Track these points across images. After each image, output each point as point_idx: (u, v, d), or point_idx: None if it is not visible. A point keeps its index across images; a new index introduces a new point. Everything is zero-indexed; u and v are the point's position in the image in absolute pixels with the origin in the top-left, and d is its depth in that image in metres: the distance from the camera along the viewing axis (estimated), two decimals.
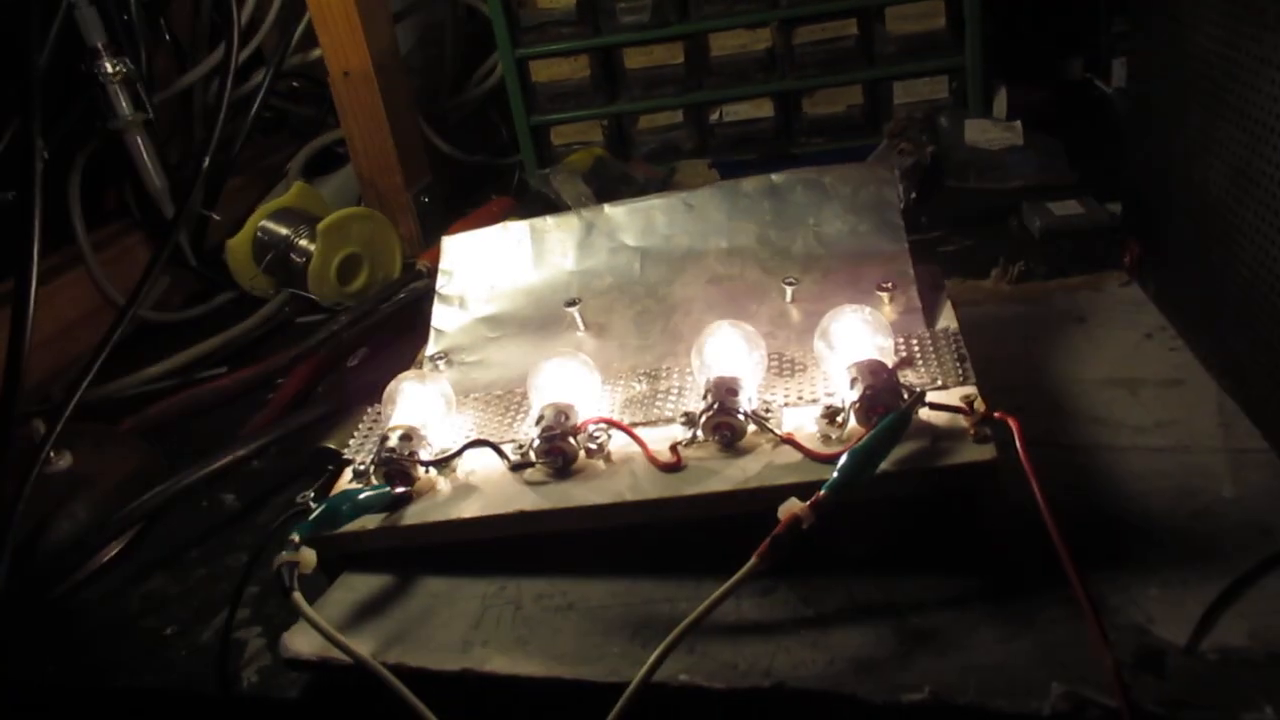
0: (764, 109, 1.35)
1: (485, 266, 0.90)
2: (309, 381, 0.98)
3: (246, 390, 1.01)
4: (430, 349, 0.86)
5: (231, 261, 1.16)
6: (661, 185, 1.30)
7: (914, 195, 1.18)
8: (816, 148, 1.35)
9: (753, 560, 0.55)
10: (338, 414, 0.89)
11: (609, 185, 1.28)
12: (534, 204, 1.25)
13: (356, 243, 1.12)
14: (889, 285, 0.76)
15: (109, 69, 1.09)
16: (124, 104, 1.11)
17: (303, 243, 1.12)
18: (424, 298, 1.06)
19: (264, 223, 1.16)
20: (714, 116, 1.37)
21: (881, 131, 1.29)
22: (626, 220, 0.88)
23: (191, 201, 1.06)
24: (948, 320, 0.75)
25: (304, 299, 1.15)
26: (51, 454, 0.80)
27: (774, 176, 0.87)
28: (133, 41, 1.13)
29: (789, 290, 0.79)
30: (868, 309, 0.70)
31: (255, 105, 1.23)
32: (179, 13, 1.33)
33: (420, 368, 0.85)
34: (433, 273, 1.06)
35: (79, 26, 1.08)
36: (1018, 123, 1.25)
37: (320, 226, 1.10)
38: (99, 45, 1.09)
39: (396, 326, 1.06)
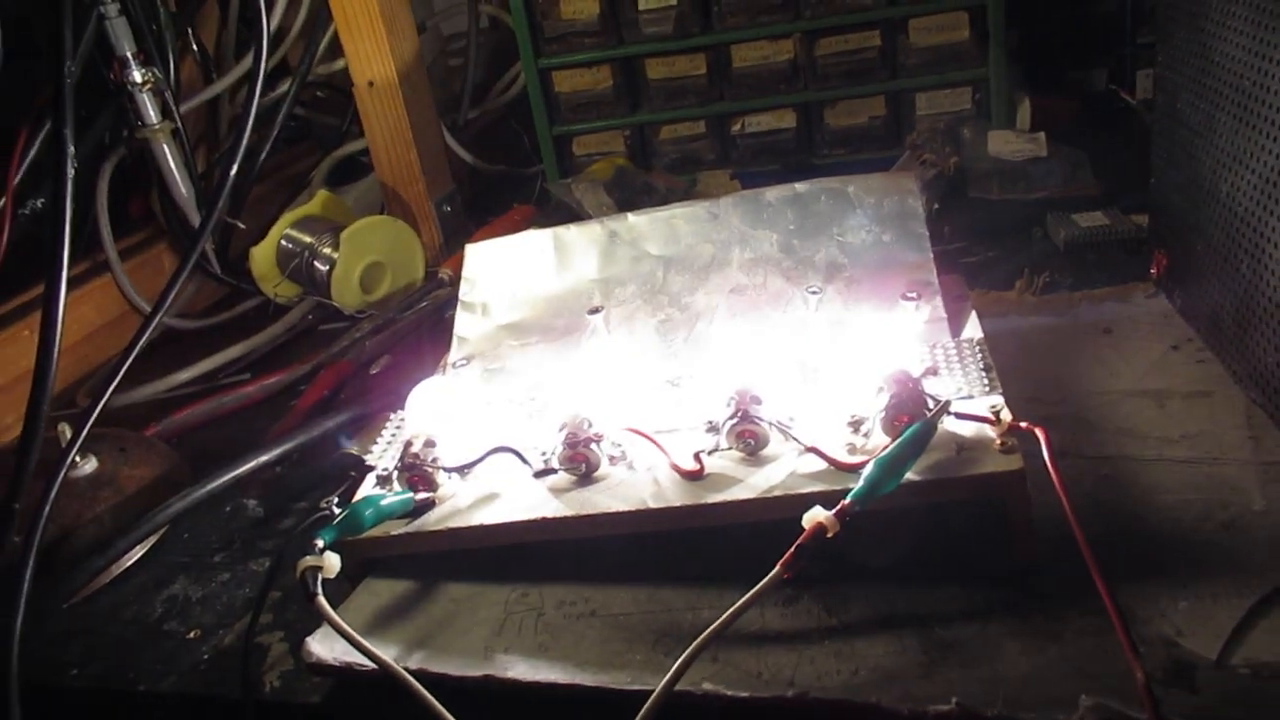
0: (786, 120, 1.35)
1: (508, 274, 0.90)
2: (332, 388, 0.99)
3: (270, 397, 1.02)
4: (453, 356, 0.86)
5: (256, 269, 1.17)
6: (683, 195, 1.30)
7: (937, 206, 1.18)
8: (838, 159, 1.34)
9: (777, 569, 0.55)
10: (361, 420, 0.90)
11: (631, 195, 1.28)
12: (556, 213, 1.25)
13: (379, 251, 1.13)
14: (914, 295, 0.76)
15: (138, 78, 1.10)
16: (152, 112, 1.12)
17: (326, 250, 1.13)
18: (446, 305, 1.07)
19: (288, 230, 1.16)
20: (736, 127, 1.37)
21: (904, 143, 1.28)
22: (649, 229, 0.88)
23: (217, 210, 1.06)
24: (972, 330, 0.75)
25: (327, 306, 1.15)
26: (77, 458, 0.80)
27: (798, 185, 0.87)
28: (161, 51, 1.14)
29: (813, 300, 0.79)
30: (893, 319, 0.70)
31: (281, 114, 1.24)
32: (206, 23, 1.35)
33: (443, 374, 0.85)
34: (455, 281, 1.07)
35: (109, 36, 1.09)
36: (1041, 134, 1.24)
37: (344, 234, 1.10)
38: (129, 54, 1.10)
39: (419, 334, 1.07)
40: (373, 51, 1.22)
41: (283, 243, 1.16)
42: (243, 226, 1.21)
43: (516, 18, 1.33)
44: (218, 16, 1.36)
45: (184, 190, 1.17)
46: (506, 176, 1.49)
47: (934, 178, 1.20)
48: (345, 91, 1.33)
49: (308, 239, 1.14)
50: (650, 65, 1.36)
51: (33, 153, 1.04)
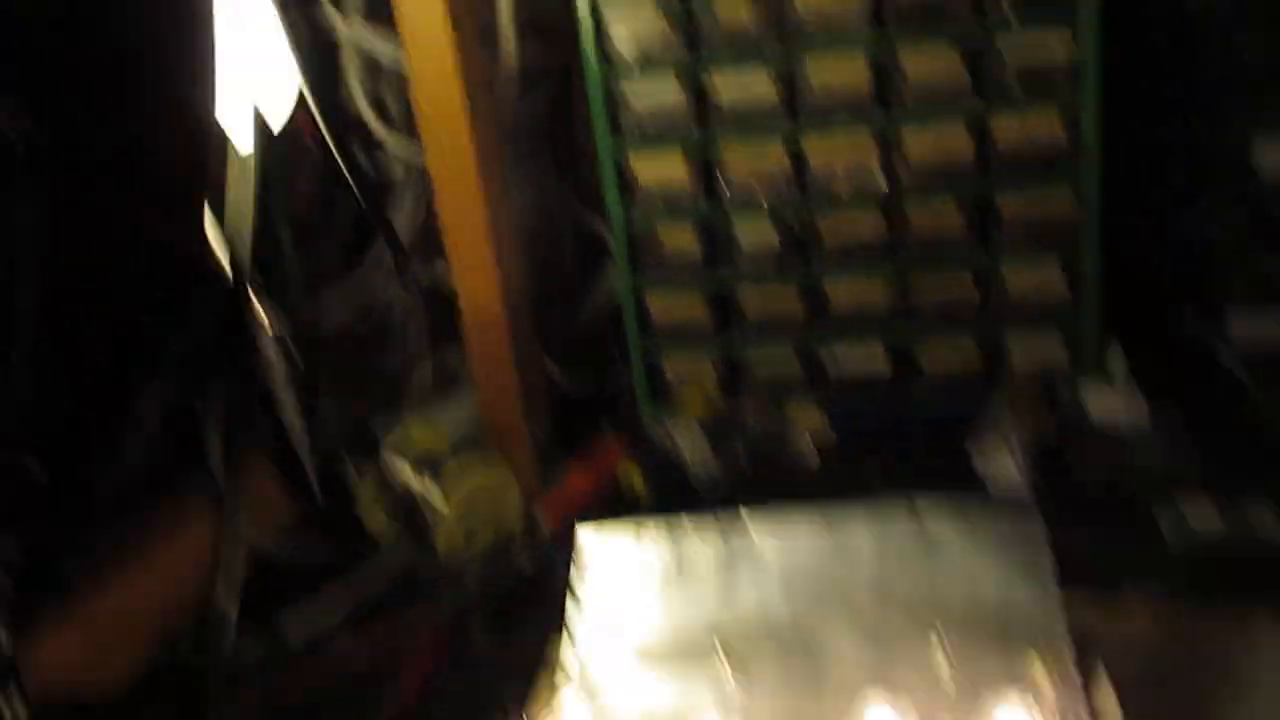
0: (878, 360, 1.36)
1: (621, 570, 0.91)
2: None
3: (373, 657, 1.03)
4: (566, 657, 0.86)
5: (361, 505, 1.19)
6: (774, 429, 1.32)
7: (1034, 469, 1.18)
8: (928, 402, 1.35)
9: None
10: None
11: (723, 433, 1.30)
12: (650, 455, 1.27)
13: (483, 504, 1.15)
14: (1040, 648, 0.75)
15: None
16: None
17: (433, 500, 1.15)
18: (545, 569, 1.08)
19: (397, 467, 1.19)
20: (828, 362, 1.38)
21: (997, 393, 1.29)
22: (769, 543, 0.88)
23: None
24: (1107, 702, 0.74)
25: (428, 547, 1.16)
26: None
27: (919, 503, 0.88)
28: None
29: (935, 641, 0.79)
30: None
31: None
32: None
33: (554, 678, 0.86)
34: (550, 529, 1.09)
35: None
36: (1137, 392, 1.25)
37: (454, 497, 1.12)
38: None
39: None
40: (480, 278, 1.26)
41: (387, 480, 1.18)
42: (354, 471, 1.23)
43: (619, 247, 1.36)
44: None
45: (297, 426, 1.20)
46: (596, 393, 1.50)
47: (1031, 439, 1.21)
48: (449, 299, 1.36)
49: (414, 484, 1.16)
50: (745, 295, 1.38)
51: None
